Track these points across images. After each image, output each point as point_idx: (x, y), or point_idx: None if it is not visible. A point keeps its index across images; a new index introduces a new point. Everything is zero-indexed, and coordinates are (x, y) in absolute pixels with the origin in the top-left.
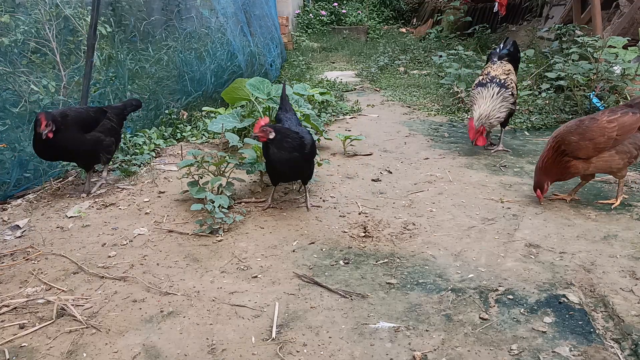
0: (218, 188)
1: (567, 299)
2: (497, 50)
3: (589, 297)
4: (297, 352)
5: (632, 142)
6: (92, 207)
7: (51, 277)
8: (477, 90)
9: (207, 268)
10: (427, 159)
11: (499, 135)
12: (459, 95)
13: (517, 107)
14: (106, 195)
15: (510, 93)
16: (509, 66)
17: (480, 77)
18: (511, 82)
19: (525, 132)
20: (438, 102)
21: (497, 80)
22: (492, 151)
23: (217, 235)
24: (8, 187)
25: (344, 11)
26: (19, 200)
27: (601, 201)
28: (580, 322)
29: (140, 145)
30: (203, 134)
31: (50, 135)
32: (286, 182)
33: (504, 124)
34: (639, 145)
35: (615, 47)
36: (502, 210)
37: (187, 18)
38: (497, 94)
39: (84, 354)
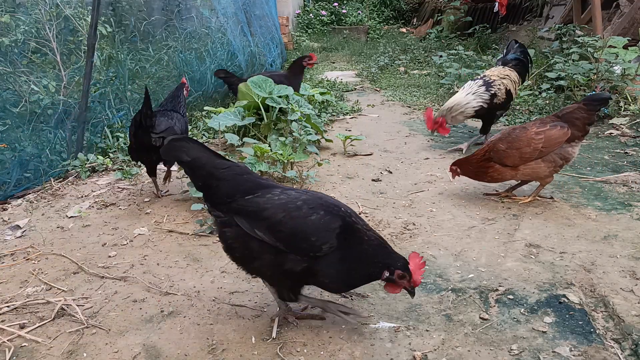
0: None
1: (568, 299)
2: (503, 55)
3: (589, 297)
4: (297, 351)
5: (558, 153)
6: (93, 207)
7: (51, 277)
8: (467, 84)
9: (207, 268)
10: (427, 159)
11: None
12: None
13: (518, 107)
14: (106, 195)
15: (492, 92)
16: (508, 72)
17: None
18: (500, 85)
19: None
20: (438, 102)
21: (486, 79)
22: None
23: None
24: (8, 187)
25: (344, 11)
26: (19, 200)
27: (514, 197)
28: (580, 322)
29: None
30: (203, 134)
31: None
32: None
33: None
34: (564, 156)
35: (615, 47)
36: (502, 210)
37: (187, 18)
38: (474, 92)
39: (84, 354)
